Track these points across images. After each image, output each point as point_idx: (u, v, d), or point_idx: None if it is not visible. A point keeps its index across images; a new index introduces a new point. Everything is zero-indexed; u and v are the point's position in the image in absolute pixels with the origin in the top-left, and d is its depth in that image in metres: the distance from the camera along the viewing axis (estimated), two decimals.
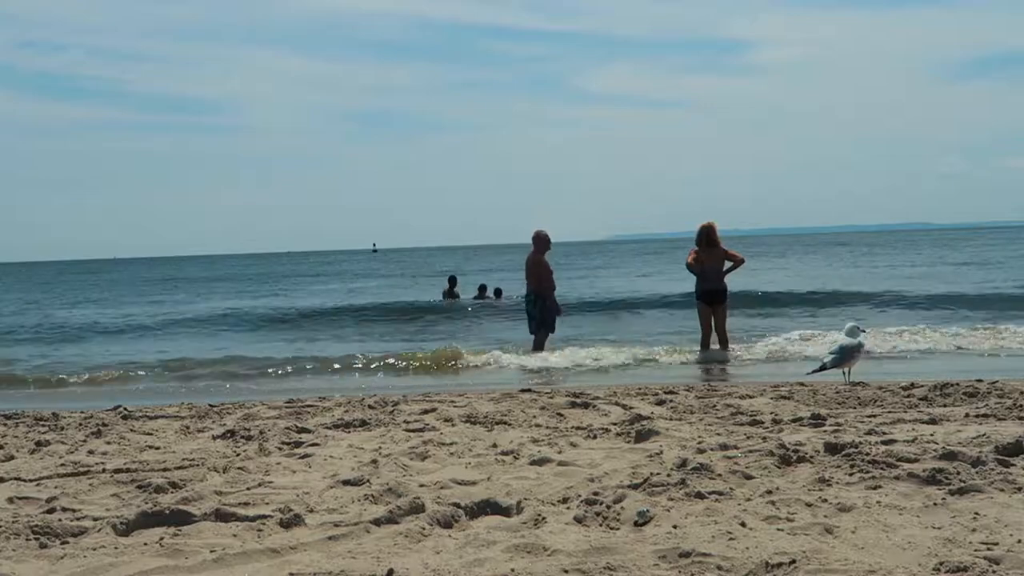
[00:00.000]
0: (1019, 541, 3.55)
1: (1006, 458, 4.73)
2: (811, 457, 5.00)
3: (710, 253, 12.34)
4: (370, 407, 7.89)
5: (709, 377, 11.04)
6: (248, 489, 4.83)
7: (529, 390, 8.96)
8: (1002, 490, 4.24)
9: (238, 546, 3.84)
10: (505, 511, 4.26)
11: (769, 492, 4.35)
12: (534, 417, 6.96)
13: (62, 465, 5.66)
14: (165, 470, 5.42)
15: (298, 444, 6.16)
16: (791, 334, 14.34)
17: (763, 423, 6.34)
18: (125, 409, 8.32)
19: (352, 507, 4.40)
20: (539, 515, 4.14)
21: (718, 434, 5.95)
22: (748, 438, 5.73)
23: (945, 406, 6.94)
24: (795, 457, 5.00)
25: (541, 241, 13.17)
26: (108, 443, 6.48)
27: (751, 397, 7.75)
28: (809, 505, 4.13)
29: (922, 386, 8.00)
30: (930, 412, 6.55)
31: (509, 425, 6.62)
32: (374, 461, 5.37)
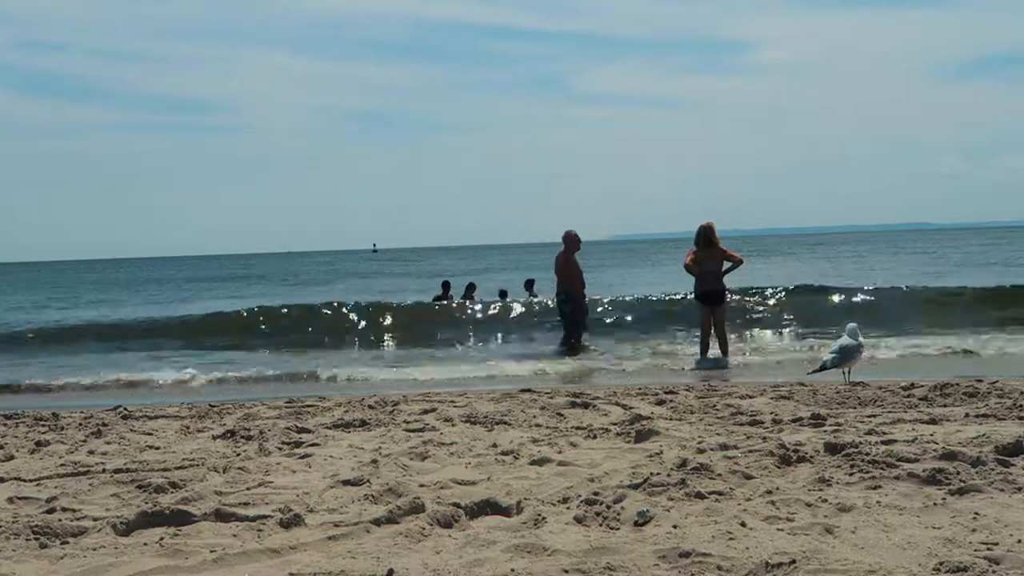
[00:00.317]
0: (1019, 541, 3.55)
1: (1006, 458, 4.73)
2: (811, 457, 5.00)
3: (708, 253, 12.30)
4: (370, 407, 7.89)
5: (709, 377, 11.04)
6: (248, 489, 4.83)
7: (529, 390, 8.96)
8: (1002, 490, 4.24)
9: (238, 546, 3.84)
10: (505, 511, 4.26)
11: (769, 492, 4.35)
12: (534, 417, 6.96)
13: (62, 465, 5.66)
14: (165, 470, 5.42)
15: (298, 444, 6.15)
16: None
17: (763, 423, 6.34)
18: (125, 409, 8.32)
19: (352, 507, 4.40)
20: (539, 515, 4.13)
21: (718, 434, 5.95)
22: (748, 438, 5.73)
23: (945, 406, 6.94)
24: (795, 457, 5.00)
25: (572, 241, 13.31)
26: (108, 443, 6.48)
27: (751, 397, 7.75)
28: (809, 505, 4.12)
29: (922, 386, 8.00)
30: (930, 412, 6.55)
31: (509, 425, 6.62)
32: (374, 461, 5.37)
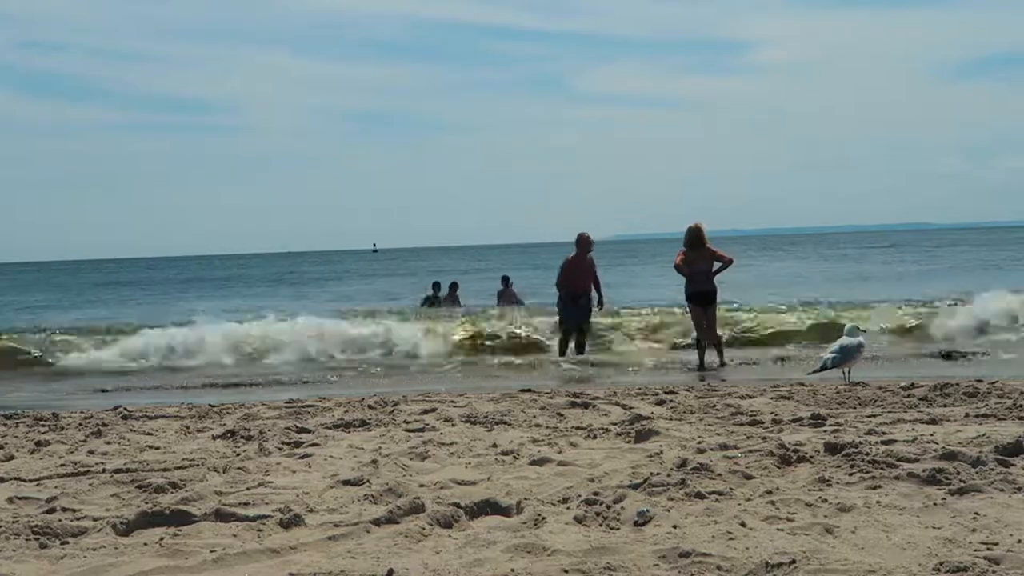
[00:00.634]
0: (1019, 541, 3.55)
1: (1006, 458, 4.73)
2: (811, 457, 5.00)
3: (698, 254, 12.30)
4: (370, 407, 7.89)
5: (709, 377, 11.04)
6: (248, 489, 4.83)
7: (529, 390, 8.96)
8: (1002, 490, 4.24)
9: (238, 546, 3.84)
10: (505, 511, 4.26)
11: (769, 492, 4.35)
12: (534, 417, 6.96)
13: (62, 465, 5.66)
14: (165, 470, 5.42)
15: (298, 444, 6.15)
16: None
17: (763, 423, 6.33)
18: (125, 409, 8.32)
19: (352, 507, 4.40)
20: (539, 515, 4.13)
21: (718, 434, 5.94)
22: (748, 438, 5.73)
23: (945, 406, 6.94)
24: (795, 457, 4.99)
25: (587, 243, 13.47)
26: (108, 443, 6.47)
27: (751, 397, 7.74)
28: (809, 505, 4.12)
29: (922, 386, 8.00)
30: (930, 412, 6.55)
31: (509, 425, 6.61)
32: (374, 461, 5.36)
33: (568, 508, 4.29)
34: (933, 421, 6.15)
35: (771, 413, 6.75)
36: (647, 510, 4.08)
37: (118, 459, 5.86)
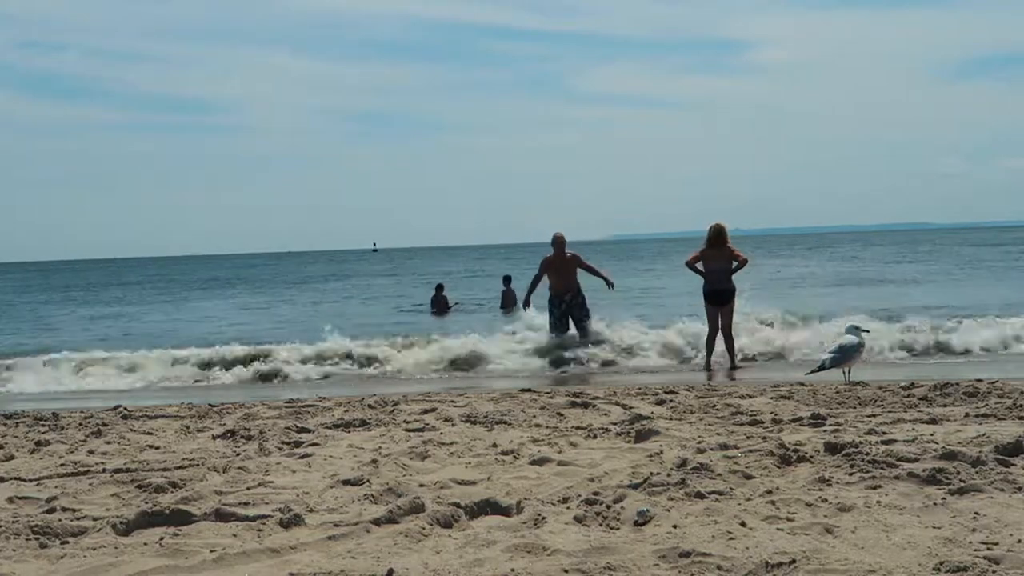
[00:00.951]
0: (1019, 541, 3.55)
1: (1006, 458, 4.73)
2: (811, 457, 5.00)
3: (717, 252, 12.29)
4: (370, 407, 7.89)
5: (709, 377, 11.04)
6: (248, 489, 4.83)
7: (529, 390, 8.96)
8: (1002, 490, 4.24)
9: (238, 546, 3.84)
10: (505, 511, 4.26)
11: (769, 492, 4.35)
12: (534, 417, 6.96)
13: (62, 465, 5.67)
14: (165, 470, 5.42)
15: (298, 444, 6.15)
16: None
17: (763, 423, 6.34)
18: (125, 409, 8.32)
19: (352, 507, 4.40)
20: (539, 515, 4.14)
21: (718, 434, 5.95)
22: (748, 438, 5.73)
23: (945, 406, 6.94)
24: (795, 457, 5.00)
25: (560, 242, 13.44)
26: (108, 443, 6.48)
27: (751, 397, 7.74)
28: (809, 505, 4.13)
29: (922, 386, 8.00)
30: (930, 412, 6.55)
31: (509, 425, 6.62)
32: (374, 461, 5.37)
33: (568, 508, 4.29)
34: (933, 421, 6.15)
35: (771, 413, 6.75)
36: (647, 510, 4.08)
37: (118, 459, 5.86)
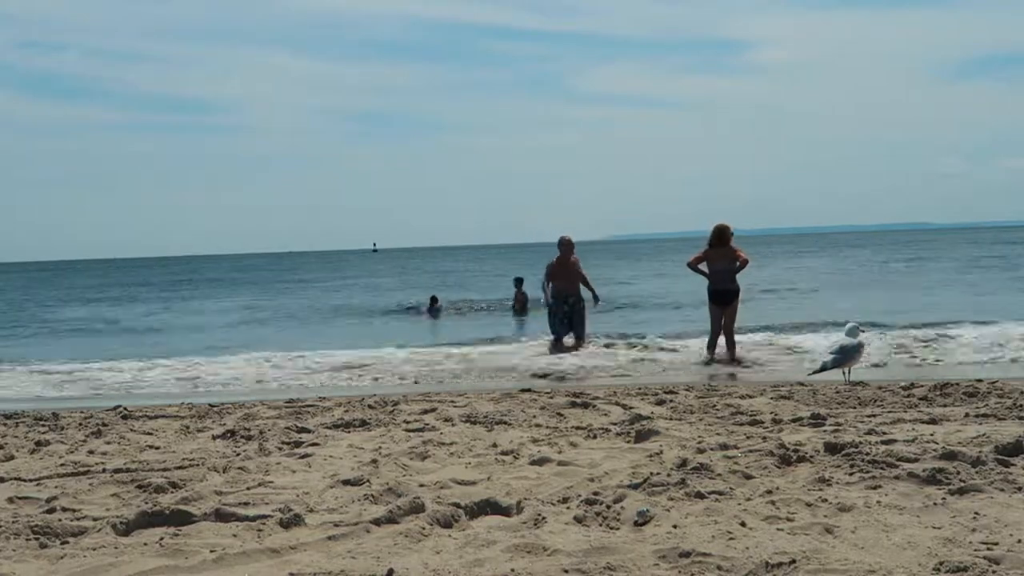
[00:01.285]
0: (1019, 541, 3.56)
1: (1006, 458, 4.73)
2: (811, 457, 5.00)
3: (721, 252, 12.33)
4: (370, 407, 7.90)
5: (710, 376, 11.04)
6: (248, 489, 4.83)
7: (529, 390, 8.97)
8: (1002, 490, 4.24)
9: (238, 546, 3.84)
10: (505, 511, 4.26)
11: (769, 492, 4.35)
12: (534, 417, 6.96)
13: (62, 465, 5.67)
14: (165, 470, 5.42)
15: (298, 444, 6.16)
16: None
17: (763, 423, 6.34)
18: (125, 409, 8.33)
19: (352, 507, 4.40)
20: (539, 515, 4.14)
21: (718, 434, 5.95)
22: (748, 438, 5.74)
23: (945, 406, 6.94)
24: (795, 457, 5.00)
25: (569, 244, 13.77)
26: (108, 443, 6.48)
27: (751, 397, 7.75)
28: (809, 505, 4.13)
29: (922, 386, 8.01)
30: (930, 412, 6.55)
31: (509, 425, 6.62)
32: (374, 461, 5.37)
33: (568, 508, 4.29)
34: (933, 421, 6.15)
35: (771, 413, 6.75)
36: (647, 510, 4.08)
37: (118, 459, 5.86)
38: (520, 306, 20.84)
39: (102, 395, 10.96)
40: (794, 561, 3.38)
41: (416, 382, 11.08)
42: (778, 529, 3.81)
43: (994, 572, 3.27)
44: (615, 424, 6.49)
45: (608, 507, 4.19)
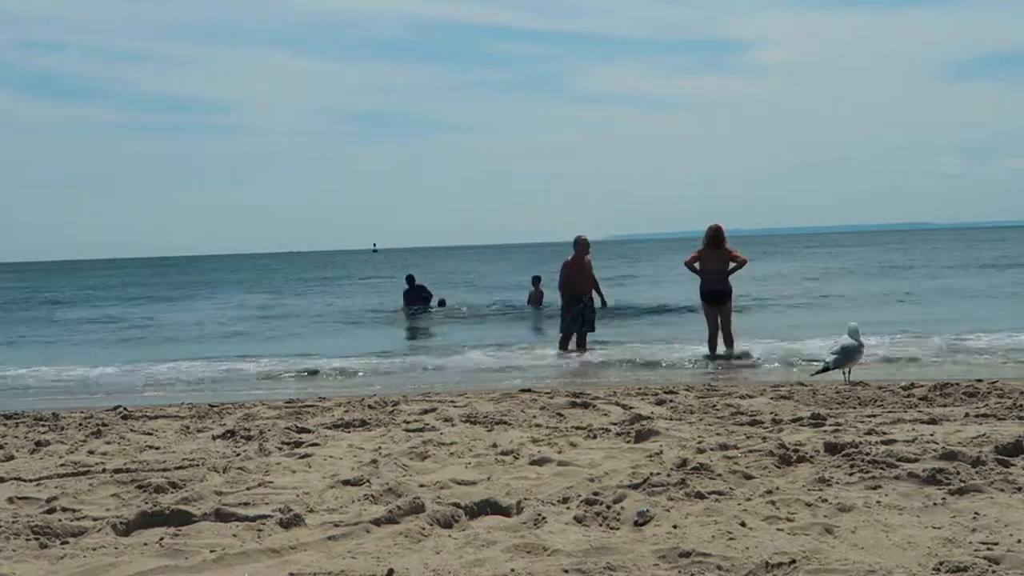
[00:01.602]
0: (1019, 541, 3.55)
1: (1006, 458, 4.73)
2: (811, 457, 5.00)
3: (715, 253, 12.39)
4: (370, 407, 7.89)
5: (709, 377, 11.04)
6: (248, 489, 4.83)
7: (529, 390, 8.96)
8: (1002, 490, 4.24)
9: (238, 546, 3.84)
10: (505, 511, 4.26)
11: (769, 492, 4.35)
12: (534, 417, 6.96)
13: (62, 465, 5.67)
14: (165, 470, 5.42)
15: (298, 444, 6.16)
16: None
17: (763, 423, 6.34)
18: (125, 409, 8.33)
19: (352, 507, 4.40)
20: (539, 515, 4.13)
21: (718, 434, 5.94)
22: (748, 438, 5.73)
23: (945, 406, 6.94)
24: (795, 457, 5.00)
25: (585, 244, 13.86)
26: (108, 443, 6.48)
27: (751, 397, 7.74)
28: (809, 505, 4.13)
29: (922, 386, 8.00)
30: (930, 412, 6.55)
31: (509, 425, 6.61)
32: (374, 461, 5.37)
33: (568, 508, 4.29)
34: (933, 421, 6.15)
35: (771, 413, 6.75)
36: (647, 510, 4.08)
37: (118, 459, 5.86)
38: (537, 302, 21.56)
39: (102, 395, 10.98)
40: (794, 561, 3.37)
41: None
42: (778, 529, 3.81)
43: (994, 572, 3.26)
44: (615, 424, 6.49)
45: (608, 507, 4.19)
